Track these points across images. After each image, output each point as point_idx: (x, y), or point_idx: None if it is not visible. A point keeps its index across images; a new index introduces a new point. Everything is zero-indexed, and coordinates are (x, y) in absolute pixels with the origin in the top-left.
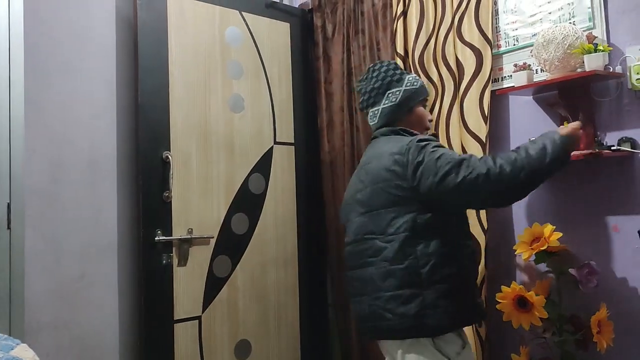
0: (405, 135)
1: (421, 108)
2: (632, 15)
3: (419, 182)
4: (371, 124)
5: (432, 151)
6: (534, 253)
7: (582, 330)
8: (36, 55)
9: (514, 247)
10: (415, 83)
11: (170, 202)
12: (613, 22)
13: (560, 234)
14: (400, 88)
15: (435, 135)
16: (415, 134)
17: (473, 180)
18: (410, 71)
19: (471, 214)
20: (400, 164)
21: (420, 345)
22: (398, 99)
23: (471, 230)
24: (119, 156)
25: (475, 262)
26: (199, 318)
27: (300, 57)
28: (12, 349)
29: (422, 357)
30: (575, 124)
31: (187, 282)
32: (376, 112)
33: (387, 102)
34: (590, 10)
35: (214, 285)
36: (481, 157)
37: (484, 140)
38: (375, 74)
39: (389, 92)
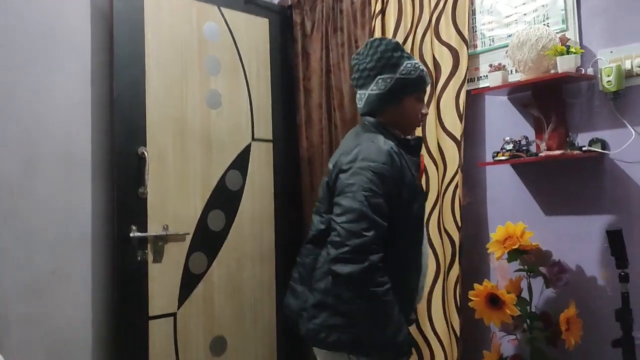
0: (379, 138)
1: (413, 101)
2: (603, 18)
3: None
4: (358, 106)
5: (358, 199)
6: (506, 252)
7: (551, 328)
8: (9, 47)
9: (487, 246)
10: (412, 72)
11: (146, 198)
12: (585, 24)
13: (532, 233)
14: (393, 75)
15: (420, 139)
16: (393, 137)
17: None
18: None
19: (446, 212)
20: (332, 178)
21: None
22: (387, 87)
23: (446, 228)
24: (93, 150)
25: (402, 303)
26: (174, 315)
27: (278, 53)
28: None
29: None
30: None
31: (162, 279)
32: (362, 96)
33: (374, 88)
34: (563, 12)
35: (189, 281)
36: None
37: (460, 140)
38: (371, 52)
39: (379, 77)
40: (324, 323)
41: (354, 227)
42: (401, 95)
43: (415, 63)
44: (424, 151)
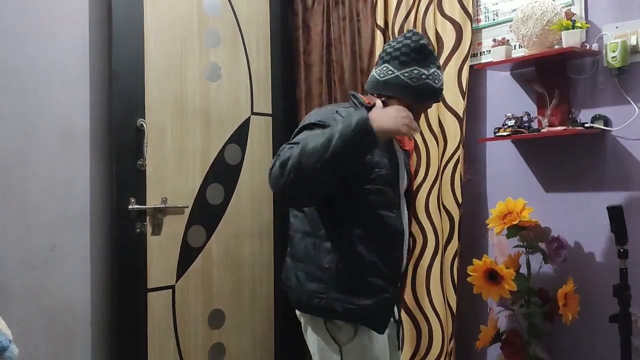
0: (337, 105)
1: (401, 105)
2: None
3: None
4: None
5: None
6: (505, 227)
7: (549, 303)
8: (6, 19)
9: (487, 221)
10: (414, 79)
11: (145, 170)
12: None
13: (532, 209)
14: (396, 71)
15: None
16: (358, 105)
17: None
18: None
19: (446, 187)
20: None
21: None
22: (384, 78)
23: (445, 204)
24: (92, 123)
25: (374, 270)
26: (172, 287)
27: (279, 26)
28: None
29: (316, 337)
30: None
31: (161, 252)
32: (371, 72)
33: (377, 71)
34: None
35: (188, 255)
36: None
37: (461, 115)
38: (399, 39)
39: (386, 64)
40: (304, 288)
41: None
42: (391, 93)
43: (425, 74)
44: (425, 129)
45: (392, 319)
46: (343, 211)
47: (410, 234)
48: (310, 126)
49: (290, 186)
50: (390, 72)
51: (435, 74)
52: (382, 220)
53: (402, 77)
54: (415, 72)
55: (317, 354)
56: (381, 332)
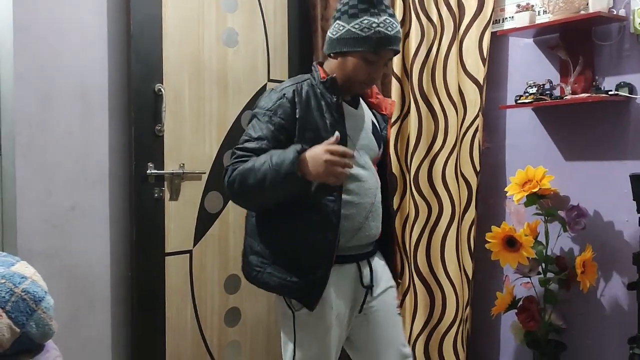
0: (291, 80)
1: (358, 61)
2: None
3: None
4: None
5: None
6: (525, 195)
7: (566, 271)
8: None
9: (506, 189)
10: (364, 29)
11: (163, 136)
12: None
13: (552, 177)
14: (346, 25)
15: (332, 79)
16: (314, 76)
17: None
18: (410, 10)
19: (464, 156)
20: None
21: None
22: (336, 35)
23: (463, 172)
24: (110, 87)
25: (308, 241)
26: (190, 252)
27: None
28: (13, 265)
29: (278, 302)
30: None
31: (179, 217)
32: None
33: (330, 30)
34: None
35: (205, 220)
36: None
37: (482, 83)
38: None
39: (337, 21)
40: (247, 259)
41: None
42: (345, 48)
43: (375, 22)
44: (444, 97)
45: (361, 285)
46: None
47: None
48: (258, 115)
49: (240, 204)
50: (341, 28)
51: (387, 21)
52: (312, 203)
53: (353, 30)
54: (365, 22)
55: (279, 317)
56: (311, 308)
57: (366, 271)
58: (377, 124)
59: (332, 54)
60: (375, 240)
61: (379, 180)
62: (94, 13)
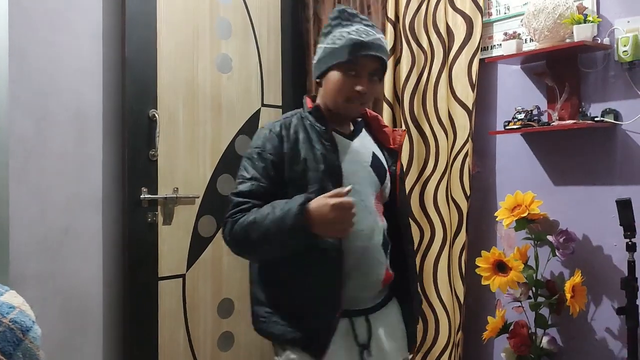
0: (299, 110)
1: (339, 74)
2: None
3: None
4: None
5: (240, 169)
6: (514, 220)
7: (556, 295)
8: (21, 6)
9: (496, 214)
10: (337, 41)
11: (156, 160)
12: None
13: (541, 202)
14: (322, 46)
15: (316, 108)
16: (304, 108)
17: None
18: (400, 36)
19: (455, 180)
20: None
21: None
22: (316, 58)
23: (453, 197)
24: (105, 111)
25: (306, 295)
26: (183, 276)
27: (290, 18)
28: (1, 295)
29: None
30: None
31: (172, 241)
32: None
33: (315, 57)
34: None
35: (198, 244)
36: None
37: (471, 108)
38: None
39: (318, 46)
40: (253, 309)
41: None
42: (326, 67)
43: (346, 31)
44: (434, 122)
45: (355, 342)
46: None
47: (407, 239)
48: (249, 155)
49: (243, 257)
50: (319, 50)
51: (361, 29)
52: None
53: (328, 46)
54: (337, 33)
55: None
56: (317, 358)
57: (361, 328)
58: (380, 158)
59: (317, 80)
60: (379, 292)
61: (380, 221)
62: (90, 38)
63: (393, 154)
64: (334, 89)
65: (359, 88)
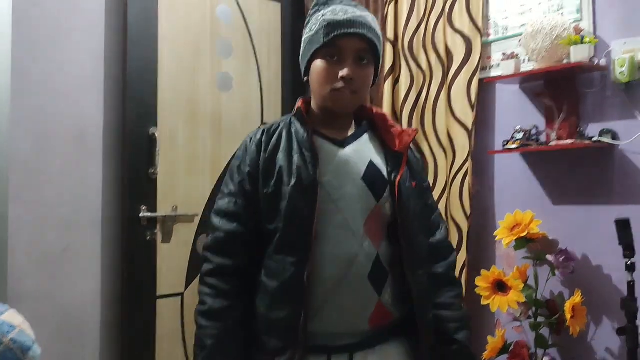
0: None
1: (321, 62)
2: (618, 9)
3: None
4: None
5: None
6: (514, 239)
7: (556, 315)
8: (24, 25)
9: (495, 233)
10: (313, 27)
11: (156, 178)
12: (600, 15)
13: (540, 221)
14: (303, 37)
15: (298, 110)
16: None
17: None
18: (399, 56)
19: (454, 199)
20: None
21: None
22: (300, 53)
23: (453, 216)
24: (105, 130)
25: (268, 327)
26: (181, 295)
27: (290, 38)
28: (2, 314)
29: None
30: None
31: (171, 259)
32: None
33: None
34: (578, 2)
35: (197, 262)
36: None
37: (470, 128)
38: None
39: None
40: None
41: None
42: (306, 59)
43: (321, 14)
44: (433, 141)
45: None
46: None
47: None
48: (231, 166)
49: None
50: (302, 46)
51: (337, 8)
52: (275, 265)
53: (305, 36)
54: (313, 20)
55: None
56: None
57: None
58: (380, 168)
59: (305, 79)
60: (365, 330)
61: (371, 246)
62: (92, 57)
63: (398, 158)
64: (318, 80)
65: (343, 73)
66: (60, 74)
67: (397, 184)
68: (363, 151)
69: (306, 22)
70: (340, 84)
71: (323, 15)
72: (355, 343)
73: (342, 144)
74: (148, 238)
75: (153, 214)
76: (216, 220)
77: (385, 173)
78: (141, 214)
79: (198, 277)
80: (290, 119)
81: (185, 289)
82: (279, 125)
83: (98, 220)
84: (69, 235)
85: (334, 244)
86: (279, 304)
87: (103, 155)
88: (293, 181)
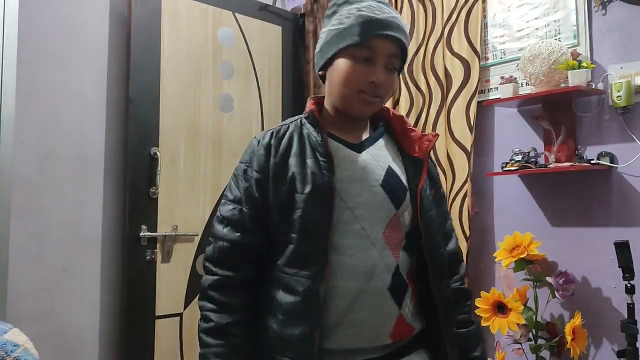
0: (300, 115)
1: (346, 61)
2: (614, 34)
3: None
4: None
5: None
6: (513, 261)
7: (556, 337)
8: (29, 46)
9: (494, 255)
10: (345, 20)
11: (157, 198)
12: (597, 40)
13: (540, 243)
14: (325, 29)
15: (311, 112)
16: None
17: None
18: (399, 80)
19: (454, 221)
20: None
21: None
22: (318, 47)
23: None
24: (107, 150)
25: (281, 347)
26: (180, 315)
27: (290, 60)
28: (5, 333)
29: None
30: None
31: (170, 279)
32: None
33: (317, 45)
34: (575, 28)
35: (196, 283)
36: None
37: (469, 150)
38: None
39: (321, 31)
40: None
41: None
42: (330, 54)
43: (356, 8)
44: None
45: None
46: (267, 266)
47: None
48: (236, 170)
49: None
50: (322, 35)
51: (374, 5)
52: (288, 279)
53: (333, 28)
54: (345, 11)
55: None
56: None
57: None
58: (399, 173)
59: (320, 73)
60: (387, 344)
61: (391, 256)
62: (95, 79)
63: (418, 164)
64: (342, 80)
65: (375, 78)
66: (63, 96)
67: (419, 193)
68: (380, 156)
69: (330, 11)
70: (367, 88)
71: (359, 10)
72: (375, 358)
73: (359, 148)
74: (148, 258)
75: (153, 234)
76: (219, 228)
77: (404, 180)
78: (141, 234)
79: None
80: (301, 121)
81: (185, 309)
82: (288, 127)
83: (98, 240)
84: (69, 255)
85: (352, 254)
86: (293, 320)
87: (104, 175)
88: (308, 188)
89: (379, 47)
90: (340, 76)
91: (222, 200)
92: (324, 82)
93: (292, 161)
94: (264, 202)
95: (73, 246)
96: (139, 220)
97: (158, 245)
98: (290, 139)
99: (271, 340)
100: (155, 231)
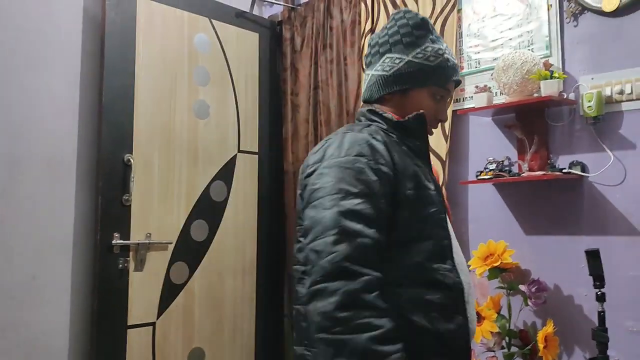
0: (358, 127)
1: (424, 96)
2: (586, 46)
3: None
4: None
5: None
6: (487, 269)
7: (529, 345)
8: (0, 49)
9: (469, 263)
10: (431, 58)
11: (130, 205)
12: (568, 51)
13: (513, 251)
14: (404, 57)
15: (419, 116)
16: (384, 120)
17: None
18: None
19: None
20: (302, 187)
21: None
22: (392, 70)
23: None
24: (79, 156)
25: (435, 347)
26: (153, 324)
27: (267, 67)
28: None
29: None
30: None
31: (143, 288)
32: (366, 77)
33: (379, 68)
34: (547, 39)
35: (170, 291)
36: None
37: (444, 158)
38: (389, 25)
39: (388, 55)
40: None
41: (322, 244)
42: (409, 84)
43: (440, 49)
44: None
45: None
46: (389, 266)
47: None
48: (350, 167)
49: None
50: (398, 61)
51: (449, 49)
52: (434, 275)
53: (416, 60)
54: (429, 49)
55: None
56: None
57: None
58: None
59: (386, 95)
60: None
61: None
62: (67, 83)
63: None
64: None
65: (442, 117)
66: (34, 99)
67: (445, 201)
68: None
69: (407, 40)
70: (435, 122)
71: (443, 52)
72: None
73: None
74: (120, 266)
75: (126, 242)
76: (351, 224)
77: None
78: (114, 242)
79: (310, 298)
80: (380, 127)
81: (157, 319)
82: (378, 131)
83: (69, 247)
84: (38, 263)
85: (456, 251)
86: (448, 315)
87: (76, 182)
88: (432, 185)
89: (451, 89)
90: (420, 107)
91: (339, 194)
92: (375, 102)
93: (408, 160)
94: (393, 197)
95: (43, 253)
96: (112, 227)
97: (131, 253)
98: (391, 141)
99: (423, 339)
100: (128, 239)
